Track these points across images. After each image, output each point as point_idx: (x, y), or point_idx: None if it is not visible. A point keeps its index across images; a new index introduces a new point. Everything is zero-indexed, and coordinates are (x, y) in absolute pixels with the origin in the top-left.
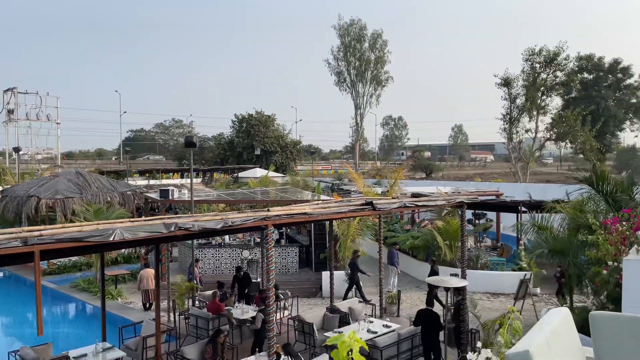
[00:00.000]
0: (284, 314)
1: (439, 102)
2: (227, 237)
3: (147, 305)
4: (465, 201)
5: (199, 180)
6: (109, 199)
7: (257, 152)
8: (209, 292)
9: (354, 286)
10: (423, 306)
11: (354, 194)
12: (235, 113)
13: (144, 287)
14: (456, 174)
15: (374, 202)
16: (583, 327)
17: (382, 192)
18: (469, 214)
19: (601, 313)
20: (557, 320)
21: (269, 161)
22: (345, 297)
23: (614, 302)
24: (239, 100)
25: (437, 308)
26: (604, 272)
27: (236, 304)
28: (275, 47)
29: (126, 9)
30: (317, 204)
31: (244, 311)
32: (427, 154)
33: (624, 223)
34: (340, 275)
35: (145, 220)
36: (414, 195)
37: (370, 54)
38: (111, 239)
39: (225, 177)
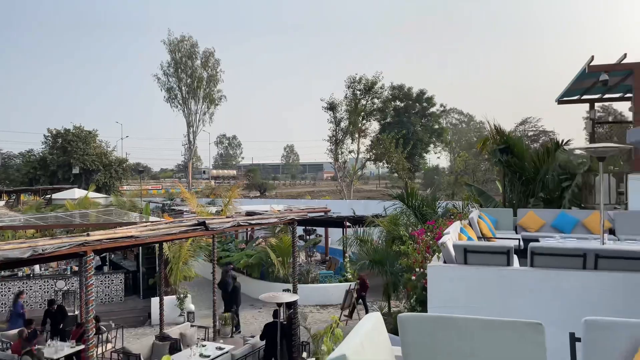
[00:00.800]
0: (106, 347)
1: (273, 122)
2: (37, 267)
3: None
4: (296, 218)
5: (2, 203)
6: None
7: (76, 170)
8: (15, 331)
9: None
10: (258, 324)
11: (186, 214)
12: (48, 128)
13: None
14: (289, 192)
15: (206, 221)
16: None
17: (216, 211)
18: (300, 230)
19: (407, 314)
20: (370, 324)
21: (89, 181)
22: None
23: (421, 304)
24: (52, 114)
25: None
26: (413, 278)
27: (49, 342)
28: (96, 59)
29: None
30: (145, 225)
31: (58, 349)
32: (233, 172)
33: (428, 234)
34: (171, 300)
35: None
36: (248, 213)
37: (203, 71)
38: None
39: (35, 199)
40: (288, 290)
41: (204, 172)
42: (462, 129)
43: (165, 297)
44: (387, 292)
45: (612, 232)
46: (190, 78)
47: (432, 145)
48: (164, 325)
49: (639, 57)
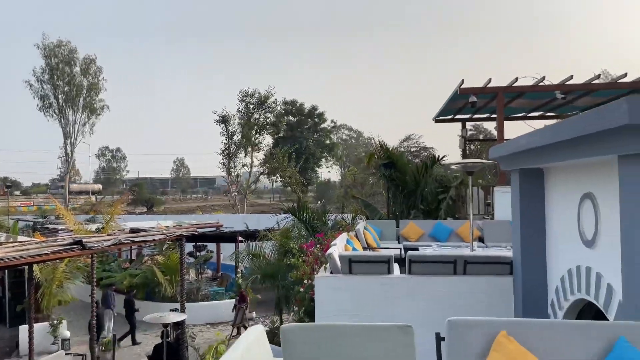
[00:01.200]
0: None
1: (161, 134)
2: None
3: None
4: (185, 234)
5: None
6: None
7: None
8: None
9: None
10: (142, 348)
11: (61, 233)
12: None
13: None
14: (179, 207)
15: (83, 240)
16: None
17: (96, 229)
18: (190, 246)
19: (289, 325)
20: (252, 337)
21: None
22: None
23: (309, 315)
24: None
25: None
26: (302, 290)
27: None
28: None
29: None
30: (13, 246)
31: None
32: (98, 186)
33: (318, 246)
34: (43, 327)
35: None
36: (133, 230)
37: (83, 79)
38: None
39: None
40: (176, 309)
41: (62, 186)
42: (352, 144)
43: (36, 325)
44: (279, 306)
45: (481, 239)
46: (69, 86)
47: (323, 160)
48: (34, 355)
49: (502, 81)
